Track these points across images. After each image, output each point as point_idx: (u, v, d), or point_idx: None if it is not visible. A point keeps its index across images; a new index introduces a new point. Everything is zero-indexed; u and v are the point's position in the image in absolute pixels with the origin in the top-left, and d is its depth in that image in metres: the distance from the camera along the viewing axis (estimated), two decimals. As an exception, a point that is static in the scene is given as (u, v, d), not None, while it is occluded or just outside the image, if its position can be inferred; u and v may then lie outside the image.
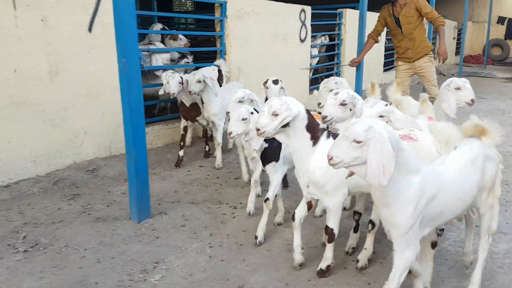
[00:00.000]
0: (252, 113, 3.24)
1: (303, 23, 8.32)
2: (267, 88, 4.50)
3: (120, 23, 3.30)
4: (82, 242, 3.29)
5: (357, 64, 6.47)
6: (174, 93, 4.93)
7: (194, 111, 5.24)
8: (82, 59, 4.74)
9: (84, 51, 4.74)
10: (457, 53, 18.61)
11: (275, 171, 3.37)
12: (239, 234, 3.51)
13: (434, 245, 2.63)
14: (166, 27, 7.31)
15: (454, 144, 2.52)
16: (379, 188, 2.07)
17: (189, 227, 3.61)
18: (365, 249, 3.03)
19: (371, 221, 3.02)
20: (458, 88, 3.65)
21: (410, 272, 2.84)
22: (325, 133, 2.74)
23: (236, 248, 3.29)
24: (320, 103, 4.15)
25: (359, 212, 3.19)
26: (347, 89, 3.20)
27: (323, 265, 2.90)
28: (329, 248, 2.88)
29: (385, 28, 6.03)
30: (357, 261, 3.02)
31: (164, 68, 6.10)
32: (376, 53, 10.50)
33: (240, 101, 3.82)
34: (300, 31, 8.28)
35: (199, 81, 4.77)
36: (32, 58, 4.30)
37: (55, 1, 4.42)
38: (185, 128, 5.35)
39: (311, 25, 8.59)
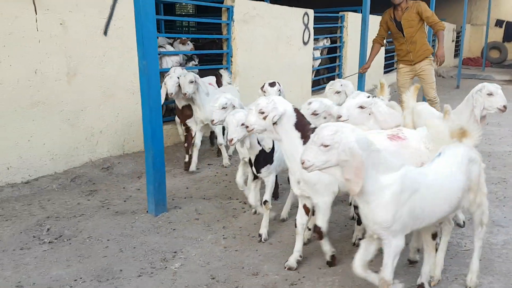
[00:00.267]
0: None
1: (306, 26, 8.49)
2: (264, 92, 4.43)
3: (140, 28, 3.50)
4: (104, 234, 3.49)
5: (367, 70, 6.55)
6: (172, 93, 4.80)
7: (185, 113, 5.18)
8: (98, 61, 4.93)
9: (99, 54, 4.94)
10: (456, 55, 18.85)
11: (269, 173, 3.46)
12: (251, 227, 3.71)
13: (434, 236, 2.76)
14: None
15: (445, 140, 2.63)
16: (356, 187, 2.15)
17: (202, 221, 3.81)
18: None
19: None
20: (490, 94, 3.58)
21: (411, 263, 3.07)
22: None
23: (249, 240, 3.49)
24: None
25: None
26: (322, 99, 3.36)
27: (327, 257, 3.08)
28: (324, 243, 3.04)
29: (388, 32, 6.17)
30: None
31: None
32: (377, 56, 10.64)
33: (223, 108, 3.66)
34: (303, 34, 8.45)
35: (191, 82, 4.72)
36: (51, 60, 4.49)
37: (73, 5, 4.61)
38: (187, 129, 5.27)
39: (314, 28, 8.76)
